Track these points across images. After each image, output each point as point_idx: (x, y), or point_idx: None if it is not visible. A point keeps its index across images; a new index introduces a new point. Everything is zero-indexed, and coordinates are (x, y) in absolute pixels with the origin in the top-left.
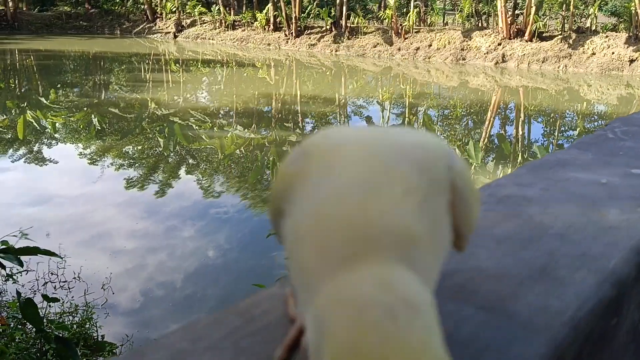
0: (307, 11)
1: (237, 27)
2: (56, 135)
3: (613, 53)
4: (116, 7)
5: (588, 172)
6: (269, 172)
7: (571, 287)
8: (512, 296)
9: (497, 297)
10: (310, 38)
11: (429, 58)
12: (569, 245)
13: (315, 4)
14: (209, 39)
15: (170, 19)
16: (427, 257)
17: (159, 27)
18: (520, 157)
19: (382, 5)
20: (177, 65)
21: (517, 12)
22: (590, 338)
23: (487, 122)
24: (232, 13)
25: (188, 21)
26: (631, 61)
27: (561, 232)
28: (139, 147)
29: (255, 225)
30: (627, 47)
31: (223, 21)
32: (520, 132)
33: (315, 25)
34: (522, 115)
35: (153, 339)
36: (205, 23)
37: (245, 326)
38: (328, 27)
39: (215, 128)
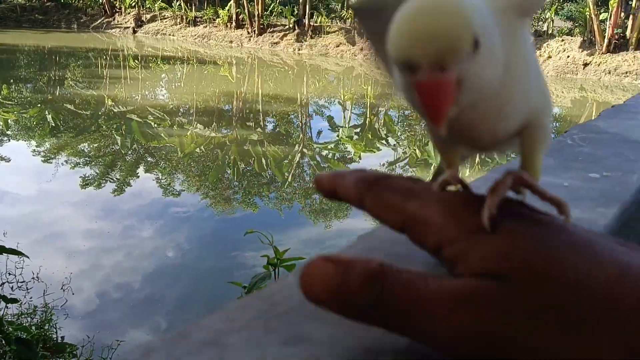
0: (269, 9)
1: (198, 24)
2: (8, 132)
3: (568, 57)
4: (73, 1)
5: (552, 175)
6: (229, 171)
7: None
8: None
9: None
10: (273, 36)
11: None
12: None
13: (278, 2)
14: (170, 35)
15: (129, 13)
16: None
17: (118, 21)
18: (477, 158)
19: (345, 5)
20: (136, 61)
21: None
22: None
23: None
24: (193, 9)
25: (148, 16)
26: (585, 65)
27: None
28: (95, 145)
29: (216, 225)
30: (582, 51)
31: (184, 17)
32: None
33: (278, 24)
34: None
35: (193, 321)
36: (165, 19)
37: (271, 309)
38: (291, 25)
39: (174, 126)
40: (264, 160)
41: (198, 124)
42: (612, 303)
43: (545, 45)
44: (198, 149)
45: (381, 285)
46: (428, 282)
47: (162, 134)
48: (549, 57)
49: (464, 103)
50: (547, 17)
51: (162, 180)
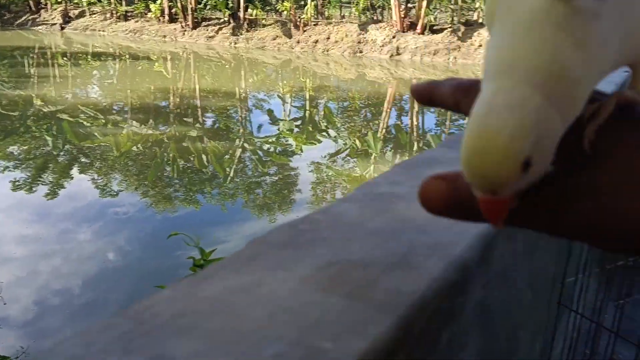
0: (203, 2)
1: (129, 18)
2: None
3: None
4: None
5: (452, 168)
6: (169, 168)
7: (423, 272)
8: (374, 283)
9: (361, 285)
10: (208, 30)
11: (327, 51)
12: (426, 235)
13: None
14: (100, 30)
15: (55, 9)
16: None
17: (44, 18)
18: (416, 146)
19: None
20: (65, 58)
21: (409, 5)
22: (437, 314)
23: (384, 114)
24: (123, 3)
25: (76, 12)
26: None
27: (421, 224)
28: (25, 147)
29: (157, 225)
30: None
31: (114, 12)
32: (415, 123)
33: (213, 17)
34: (415, 106)
35: (48, 348)
36: (95, 14)
37: (136, 328)
38: (226, 18)
39: (109, 125)
40: (204, 157)
41: (134, 122)
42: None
43: (476, 34)
44: (135, 147)
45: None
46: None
47: (95, 133)
48: (480, 45)
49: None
50: (476, 6)
51: (98, 181)
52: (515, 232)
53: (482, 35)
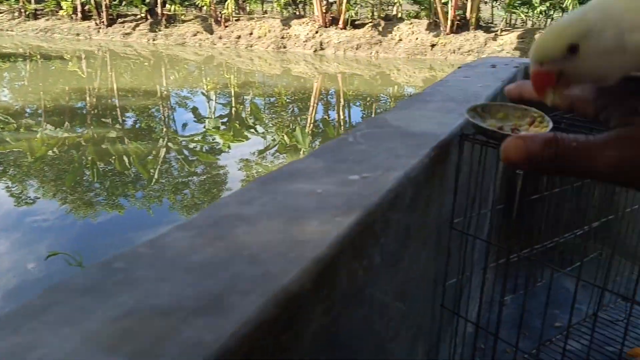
0: None
1: (39, 17)
2: None
3: (417, 39)
4: None
5: (311, 182)
6: (88, 172)
7: (236, 313)
8: (172, 335)
9: (156, 339)
10: (124, 27)
11: (251, 46)
12: (255, 266)
13: None
14: (7, 30)
15: None
16: None
17: None
18: None
19: None
20: None
21: (330, 0)
22: (256, 356)
23: (311, 108)
24: (32, 1)
25: None
26: (432, 46)
27: (255, 252)
28: None
29: (80, 230)
30: (429, 33)
31: (22, 10)
32: (342, 117)
33: (129, 13)
34: (342, 100)
35: None
36: (1, 13)
37: None
38: (143, 15)
39: (21, 129)
40: (126, 159)
41: (48, 125)
42: None
43: (395, 28)
44: (50, 151)
45: (556, 145)
46: (588, 138)
47: (7, 139)
48: (400, 40)
49: (574, 81)
50: (395, 1)
51: (13, 189)
52: (366, 248)
53: (401, 30)
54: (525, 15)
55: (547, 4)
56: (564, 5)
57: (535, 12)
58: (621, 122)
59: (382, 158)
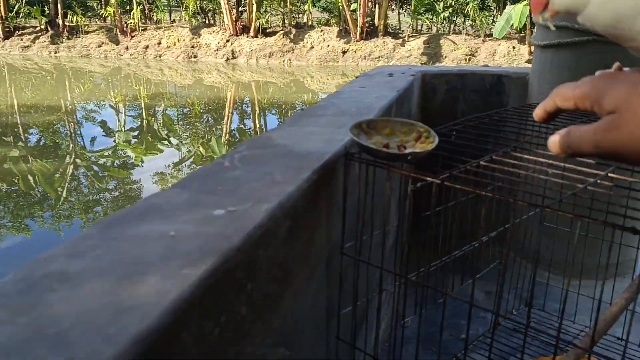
0: (15, 10)
1: None
2: None
3: (328, 46)
4: None
5: (166, 221)
6: None
7: None
8: None
9: None
10: (22, 39)
11: (160, 56)
12: (58, 351)
13: (24, 1)
14: None
15: None
16: None
17: None
18: None
19: (104, 3)
20: None
21: (240, 9)
22: None
23: (226, 118)
24: None
25: None
26: (343, 52)
27: (66, 328)
28: None
29: None
30: (339, 40)
31: None
32: (258, 125)
33: (28, 25)
34: (257, 108)
35: None
36: None
37: None
38: (43, 26)
39: None
40: (30, 178)
41: None
42: None
43: (307, 36)
44: None
45: (568, 134)
46: (586, 125)
47: None
48: (312, 47)
49: (557, 12)
50: (305, 9)
51: None
52: (226, 300)
53: (312, 37)
54: (430, 21)
55: (450, 10)
56: (465, 11)
57: (439, 18)
58: (608, 111)
59: (257, 186)
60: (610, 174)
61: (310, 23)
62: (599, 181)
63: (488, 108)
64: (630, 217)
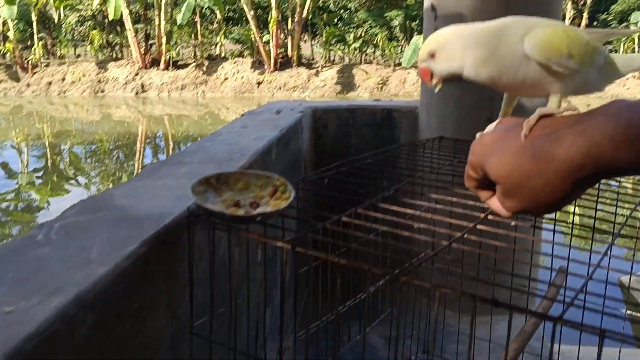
0: None
1: None
2: None
3: (243, 77)
4: None
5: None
6: None
7: None
8: None
9: None
10: None
11: (64, 92)
12: None
13: None
14: None
15: None
16: None
17: None
18: None
19: (2, 38)
20: None
21: (150, 42)
22: None
23: (138, 153)
24: None
25: None
26: (258, 83)
27: None
28: None
29: None
30: (254, 71)
31: None
32: None
33: None
34: (171, 142)
35: None
36: None
37: None
38: None
39: None
40: None
41: None
42: (527, 187)
43: (220, 68)
44: None
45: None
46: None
47: None
48: (226, 79)
49: (442, 78)
50: (217, 41)
51: None
52: None
53: (226, 69)
54: (342, 52)
55: (360, 41)
56: (375, 42)
57: (351, 48)
58: (495, 180)
59: (61, 269)
60: (478, 226)
61: (223, 55)
62: (466, 235)
63: (380, 142)
64: (498, 284)
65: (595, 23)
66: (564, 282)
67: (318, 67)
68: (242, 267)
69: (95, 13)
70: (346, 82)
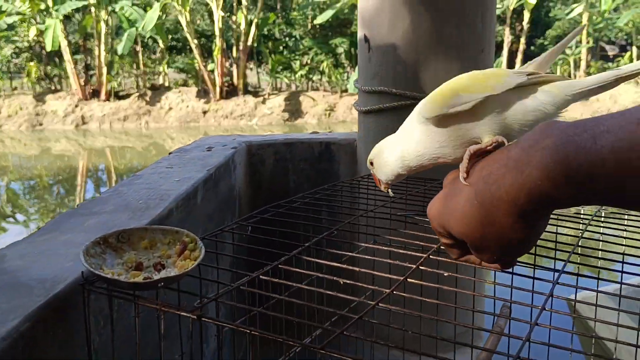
0: None
1: None
2: None
3: (188, 106)
4: None
5: None
6: None
7: None
8: None
9: None
10: None
11: (0, 127)
12: None
13: None
14: None
15: None
16: None
17: None
18: None
19: None
20: None
21: (90, 73)
22: None
23: (79, 187)
24: None
25: None
26: (204, 112)
27: None
28: None
29: None
30: (199, 100)
31: None
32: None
33: None
34: (114, 175)
35: None
36: None
37: None
38: None
39: None
40: None
41: None
42: (488, 237)
43: (164, 97)
44: None
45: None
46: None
47: None
48: (170, 108)
49: (388, 182)
50: (161, 70)
51: None
52: None
53: (170, 99)
54: (289, 79)
55: (307, 68)
56: (321, 69)
57: (297, 76)
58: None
59: None
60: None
61: (167, 84)
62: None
63: (319, 177)
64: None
65: (532, 47)
66: (509, 319)
67: (265, 94)
68: (157, 337)
69: (32, 44)
70: (293, 110)
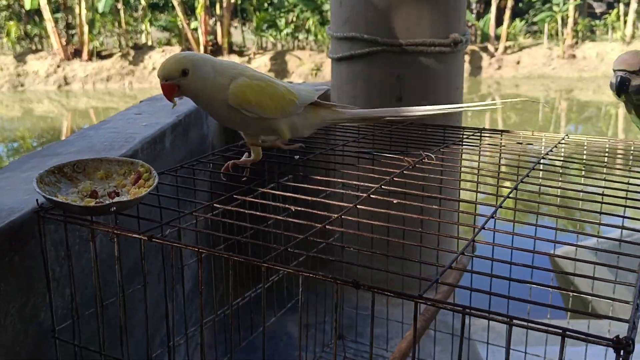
0: None
1: None
2: None
3: None
4: None
5: None
6: None
7: None
8: None
9: None
10: None
11: None
12: None
13: None
14: None
15: None
16: None
17: None
18: None
19: None
20: None
21: (71, 32)
22: None
23: None
24: None
25: None
26: None
27: None
28: None
29: None
30: None
31: None
32: None
33: None
34: None
35: None
36: None
37: None
38: None
39: None
40: None
41: None
42: None
43: (147, 57)
44: None
45: None
46: None
47: None
48: (154, 68)
49: (187, 95)
50: (143, 29)
51: None
52: None
53: (153, 59)
54: (274, 38)
55: (292, 26)
56: (307, 27)
57: (282, 34)
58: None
59: None
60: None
61: (150, 43)
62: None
63: None
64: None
65: (520, 4)
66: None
67: (250, 54)
68: (130, 263)
69: (11, 3)
70: (280, 69)
